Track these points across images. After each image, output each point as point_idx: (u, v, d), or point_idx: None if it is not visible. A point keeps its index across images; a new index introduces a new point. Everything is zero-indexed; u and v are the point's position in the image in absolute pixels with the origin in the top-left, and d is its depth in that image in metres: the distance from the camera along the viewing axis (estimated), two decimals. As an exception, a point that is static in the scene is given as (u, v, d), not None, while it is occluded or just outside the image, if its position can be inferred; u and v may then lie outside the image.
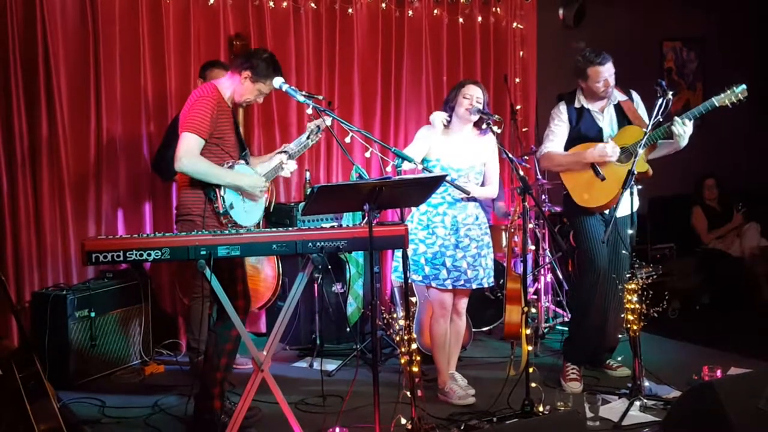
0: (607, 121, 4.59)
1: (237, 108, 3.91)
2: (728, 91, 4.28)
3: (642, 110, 4.63)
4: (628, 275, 4.27)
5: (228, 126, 3.76)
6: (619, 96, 4.61)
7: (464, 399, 4.24)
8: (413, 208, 4.28)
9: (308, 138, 4.22)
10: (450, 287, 4.25)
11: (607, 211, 4.53)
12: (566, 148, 4.59)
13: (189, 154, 3.57)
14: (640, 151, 4.22)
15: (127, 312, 4.90)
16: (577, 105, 4.61)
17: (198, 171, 3.60)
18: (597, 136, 4.56)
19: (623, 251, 4.53)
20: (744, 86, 4.27)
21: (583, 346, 4.61)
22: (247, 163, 3.91)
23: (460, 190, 4.03)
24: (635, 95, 4.69)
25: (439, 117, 4.25)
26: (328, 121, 4.28)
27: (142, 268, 5.10)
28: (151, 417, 4.11)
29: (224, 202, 3.66)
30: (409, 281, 4.21)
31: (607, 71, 4.46)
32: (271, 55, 3.82)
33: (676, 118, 4.26)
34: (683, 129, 4.24)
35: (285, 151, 4.07)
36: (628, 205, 4.41)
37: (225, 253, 3.30)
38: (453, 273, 4.23)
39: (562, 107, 4.62)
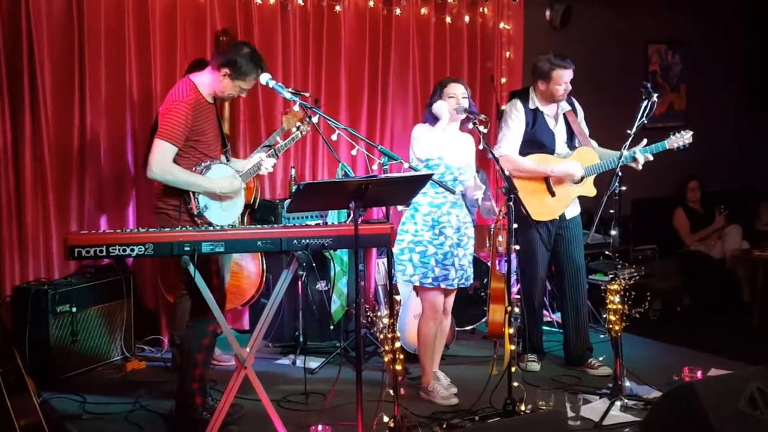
0: (559, 127, 4.69)
1: (222, 102, 3.89)
2: (678, 135, 4.53)
3: (584, 124, 4.82)
4: (611, 276, 4.29)
5: (208, 123, 3.74)
6: (564, 105, 4.72)
7: (447, 399, 4.25)
8: (410, 210, 4.27)
9: (298, 129, 4.25)
10: (456, 286, 4.28)
11: (557, 218, 4.67)
12: (522, 152, 4.69)
13: (161, 162, 3.57)
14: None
15: (109, 308, 4.87)
16: (531, 106, 4.71)
17: (169, 180, 3.61)
18: (550, 141, 4.69)
19: (578, 255, 4.77)
20: (691, 133, 4.54)
21: (536, 336, 4.96)
22: (228, 160, 3.90)
23: (447, 190, 4.03)
24: (578, 106, 4.85)
25: (445, 107, 4.20)
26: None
27: (125, 263, 5.07)
28: (132, 413, 4.09)
29: (198, 203, 3.66)
30: (394, 281, 4.22)
31: (569, 76, 4.59)
32: (252, 51, 3.73)
33: (635, 149, 4.46)
34: (645, 159, 4.48)
35: (268, 145, 4.07)
36: (577, 205, 4.75)
37: (209, 250, 3.29)
38: (459, 272, 4.25)
39: (519, 106, 4.72)
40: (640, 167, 4.50)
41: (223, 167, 3.82)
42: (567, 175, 4.62)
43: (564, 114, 4.74)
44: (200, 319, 3.66)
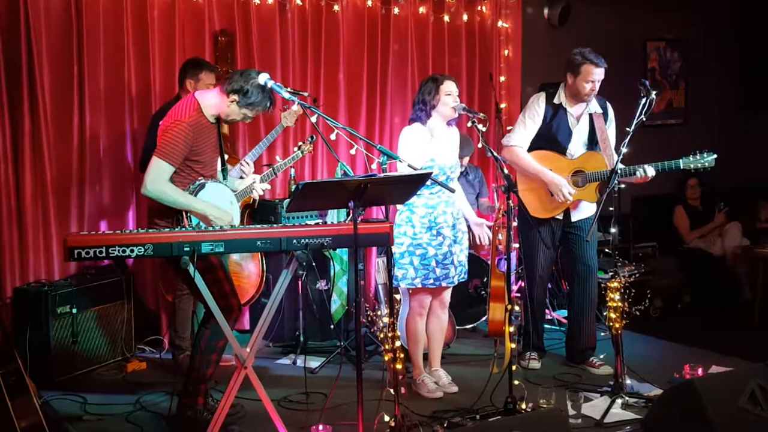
0: (580, 127, 4.65)
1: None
2: (698, 157, 4.42)
3: (612, 130, 4.72)
4: (611, 274, 4.29)
5: (207, 144, 3.71)
6: (594, 107, 4.66)
7: (433, 393, 4.28)
8: (405, 212, 4.26)
9: (299, 149, 4.37)
10: (456, 282, 4.31)
11: (561, 216, 4.65)
12: (535, 144, 4.64)
13: (156, 181, 3.53)
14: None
15: (109, 308, 4.87)
16: (556, 101, 4.66)
17: (163, 199, 3.57)
18: (565, 139, 4.64)
19: (589, 256, 4.70)
20: (714, 156, 4.41)
21: (537, 334, 4.90)
22: (225, 178, 3.88)
23: (446, 188, 4.03)
24: (610, 111, 4.76)
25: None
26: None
27: (125, 264, 5.07)
28: (133, 414, 4.09)
29: (191, 221, 3.64)
30: (395, 283, 4.22)
31: (598, 75, 4.52)
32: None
33: (645, 165, 4.40)
34: (647, 175, 4.41)
35: (270, 165, 4.11)
36: (589, 208, 4.62)
37: (209, 250, 3.29)
38: (458, 268, 4.29)
39: (542, 102, 4.68)
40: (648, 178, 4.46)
41: (218, 186, 3.78)
42: (555, 191, 4.54)
43: (591, 115, 4.65)
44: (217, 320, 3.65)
